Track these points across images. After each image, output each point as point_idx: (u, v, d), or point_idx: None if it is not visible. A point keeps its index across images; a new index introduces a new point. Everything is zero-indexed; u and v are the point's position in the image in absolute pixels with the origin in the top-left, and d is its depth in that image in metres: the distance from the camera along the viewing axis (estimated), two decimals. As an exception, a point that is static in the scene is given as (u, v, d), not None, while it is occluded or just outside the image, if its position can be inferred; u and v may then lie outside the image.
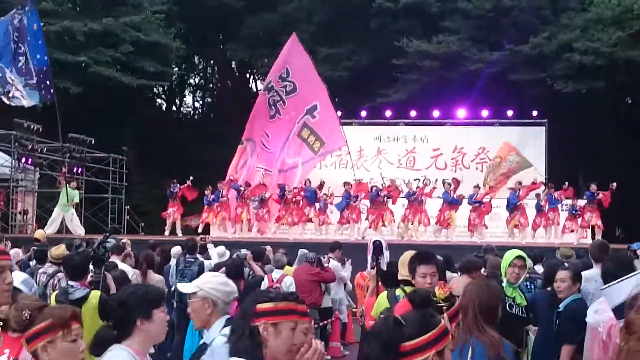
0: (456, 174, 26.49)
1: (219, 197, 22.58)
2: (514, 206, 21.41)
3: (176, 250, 12.05)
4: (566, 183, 21.84)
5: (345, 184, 22.58)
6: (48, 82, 20.91)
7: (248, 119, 24.78)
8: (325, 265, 11.35)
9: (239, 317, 3.08)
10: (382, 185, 23.66)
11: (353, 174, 23.79)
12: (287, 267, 10.90)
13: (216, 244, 13.28)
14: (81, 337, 3.35)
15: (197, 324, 4.30)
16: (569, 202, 21.76)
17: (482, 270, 8.59)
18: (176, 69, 36.93)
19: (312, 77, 23.13)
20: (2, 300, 3.63)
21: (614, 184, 20.52)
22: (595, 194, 20.89)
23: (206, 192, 22.83)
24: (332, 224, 22.45)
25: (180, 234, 22.25)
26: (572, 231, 21.46)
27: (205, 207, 22.88)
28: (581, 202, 21.40)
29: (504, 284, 6.38)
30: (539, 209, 21.54)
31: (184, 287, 4.32)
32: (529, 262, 9.03)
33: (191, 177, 23.08)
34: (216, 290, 4.24)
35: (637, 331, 3.36)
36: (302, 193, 22.03)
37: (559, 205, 21.70)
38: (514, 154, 24.62)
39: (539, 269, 9.86)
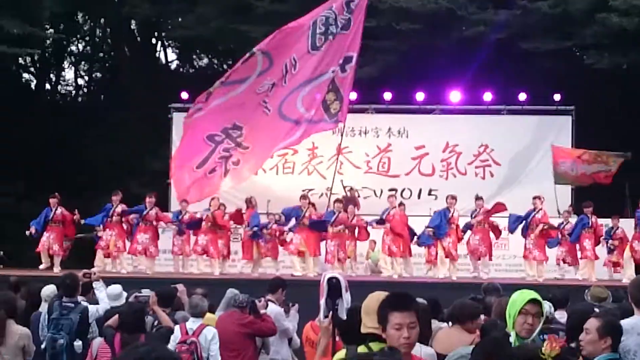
0: (448, 181, 26.75)
1: (110, 213, 22.55)
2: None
3: (49, 291, 11.91)
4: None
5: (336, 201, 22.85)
6: None
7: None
8: (262, 311, 11.33)
9: None
10: (343, 197, 23.79)
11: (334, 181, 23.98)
12: (208, 314, 10.85)
13: (108, 281, 13.18)
14: None
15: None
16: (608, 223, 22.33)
17: (482, 317, 8.68)
18: (51, 30, 36.58)
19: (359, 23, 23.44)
20: None
21: None
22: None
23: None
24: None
25: (57, 269, 22.08)
26: (615, 264, 22.05)
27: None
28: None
29: (511, 339, 6.39)
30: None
31: None
32: (547, 308, 9.15)
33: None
34: None
35: None
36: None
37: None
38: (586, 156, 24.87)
39: (562, 316, 9.98)
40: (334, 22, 23.51)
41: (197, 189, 23.01)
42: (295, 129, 23.37)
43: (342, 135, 24.92)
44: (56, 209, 22.72)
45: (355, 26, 23.40)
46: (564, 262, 22.59)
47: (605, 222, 22.70)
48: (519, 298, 6.48)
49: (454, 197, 22.61)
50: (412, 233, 22.65)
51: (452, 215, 22.31)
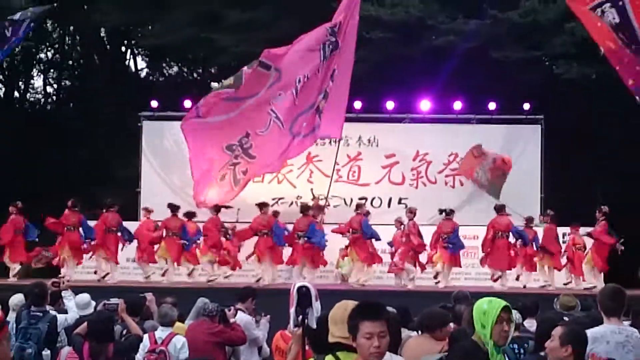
0: (418, 190, 26.81)
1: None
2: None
3: (17, 299, 11.87)
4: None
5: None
6: None
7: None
8: (232, 320, 11.32)
9: None
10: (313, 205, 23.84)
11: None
12: (177, 323, 10.82)
13: (77, 290, 13.12)
14: None
15: None
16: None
17: (451, 325, 8.71)
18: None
19: (351, 40, 23.34)
20: None
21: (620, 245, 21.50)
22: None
23: None
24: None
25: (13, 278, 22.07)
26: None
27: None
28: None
29: (488, 348, 6.33)
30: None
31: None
32: (516, 316, 9.18)
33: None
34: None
35: None
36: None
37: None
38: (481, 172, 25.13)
39: (532, 324, 10.02)
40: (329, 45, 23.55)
41: (214, 194, 22.91)
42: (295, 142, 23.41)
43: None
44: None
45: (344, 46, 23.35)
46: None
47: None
48: (491, 307, 6.36)
49: (411, 211, 22.70)
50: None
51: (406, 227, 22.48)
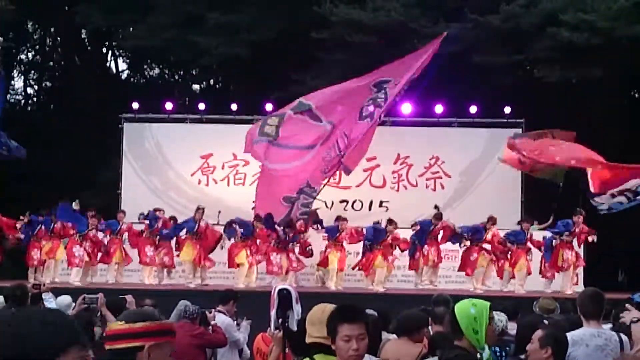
0: (399, 193, 26.88)
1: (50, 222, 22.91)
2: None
3: (-4, 302, 11.82)
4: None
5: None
6: None
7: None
8: (213, 322, 11.33)
9: None
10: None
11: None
12: (157, 326, 10.82)
13: (57, 292, 13.10)
14: None
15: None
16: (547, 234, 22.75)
17: (430, 329, 8.75)
18: (0, 38, 36.28)
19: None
20: None
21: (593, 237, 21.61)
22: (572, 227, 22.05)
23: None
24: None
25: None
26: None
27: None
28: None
29: (481, 352, 6.26)
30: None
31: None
32: (503, 320, 9.25)
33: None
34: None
35: None
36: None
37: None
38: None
39: (513, 327, 10.05)
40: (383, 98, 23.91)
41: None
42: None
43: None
44: None
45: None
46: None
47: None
48: (479, 311, 6.24)
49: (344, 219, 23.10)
50: None
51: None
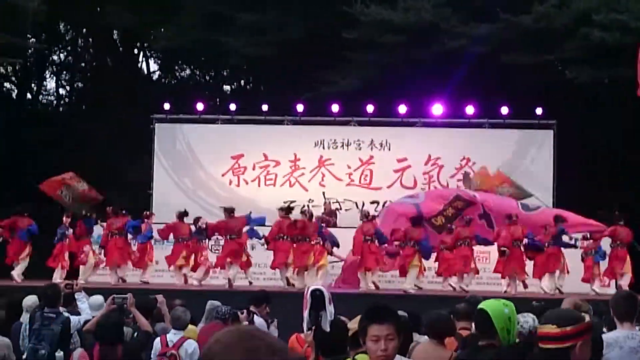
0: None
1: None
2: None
3: (30, 301, 11.87)
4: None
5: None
6: None
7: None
8: (244, 323, 11.30)
9: None
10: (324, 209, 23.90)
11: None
12: (190, 326, 10.83)
13: (90, 292, 13.14)
14: None
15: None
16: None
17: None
18: (33, 40, 36.46)
19: None
20: None
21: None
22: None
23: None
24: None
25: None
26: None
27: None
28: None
29: None
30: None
31: None
32: (527, 320, 9.16)
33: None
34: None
35: None
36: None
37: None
38: (506, 187, 24.61)
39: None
40: None
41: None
42: None
43: (323, 147, 25.28)
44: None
45: None
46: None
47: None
48: (511, 310, 6.29)
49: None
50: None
51: None
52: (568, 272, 21.94)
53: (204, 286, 21.83)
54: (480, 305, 6.44)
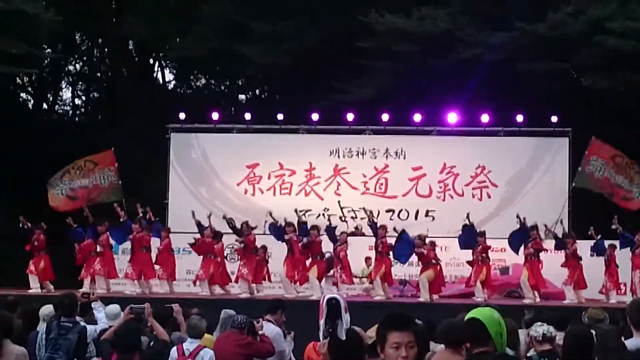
0: (445, 202, 26.79)
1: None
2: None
3: (47, 310, 11.89)
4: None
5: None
6: None
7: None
8: (260, 332, 11.30)
9: None
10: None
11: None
12: (206, 335, 10.84)
13: (106, 301, 13.16)
14: None
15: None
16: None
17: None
18: (49, 50, 36.58)
19: None
20: None
21: None
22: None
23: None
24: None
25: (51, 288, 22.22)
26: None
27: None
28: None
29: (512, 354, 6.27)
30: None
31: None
32: (537, 329, 9.13)
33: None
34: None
35: None
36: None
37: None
38: None
39: (562, 338, 9.97)
40: None
41: None
42: None
43: (338, 156, 25.38)
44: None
45: None
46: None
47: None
48: (498, 314, 6.33)
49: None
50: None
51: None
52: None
53: (215, 295, 21.93)
54: (469, 315, 6.44)
